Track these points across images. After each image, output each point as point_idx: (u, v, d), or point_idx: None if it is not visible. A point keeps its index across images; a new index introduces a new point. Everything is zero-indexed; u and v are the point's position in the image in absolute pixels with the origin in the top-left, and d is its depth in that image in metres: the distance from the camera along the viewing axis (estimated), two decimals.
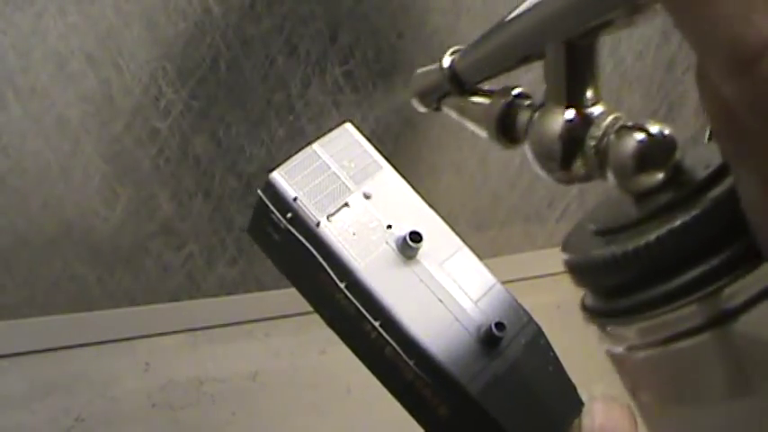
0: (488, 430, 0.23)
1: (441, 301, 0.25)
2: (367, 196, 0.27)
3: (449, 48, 0.36)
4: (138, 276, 0.60)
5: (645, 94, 0.69)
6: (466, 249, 0.27)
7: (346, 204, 0.26)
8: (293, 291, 0.69)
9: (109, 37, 0.52)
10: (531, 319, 0.26)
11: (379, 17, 0.58)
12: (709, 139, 0.74)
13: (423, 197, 0.29)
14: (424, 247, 0.26)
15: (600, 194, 0.77)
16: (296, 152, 0.27)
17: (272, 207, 0.27)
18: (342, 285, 0.25)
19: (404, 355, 0.24)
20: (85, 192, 0.56)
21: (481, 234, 0.69)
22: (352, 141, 0.29)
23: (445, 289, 0.26)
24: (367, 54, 0.59)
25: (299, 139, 0.59)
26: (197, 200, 0.59)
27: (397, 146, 0.63)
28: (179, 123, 0.56)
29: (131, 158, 0.56)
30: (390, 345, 0.24)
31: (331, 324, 0.27)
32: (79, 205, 0.57)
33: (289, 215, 0.26)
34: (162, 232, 0.60)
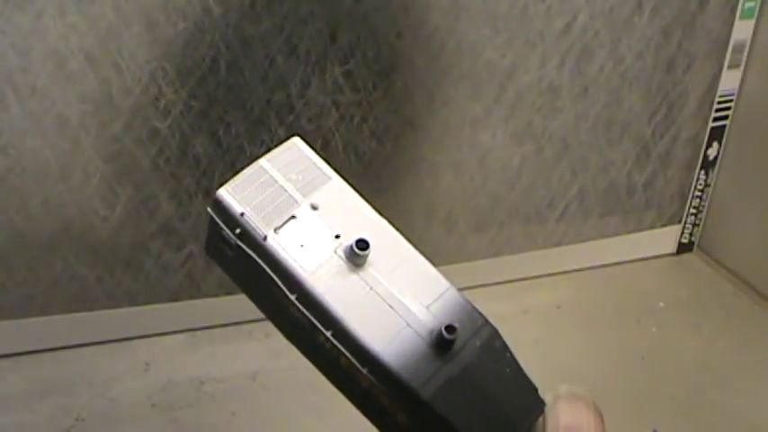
0: None
1: (391, 307, 0.25)
2: (314, 207, 0.27)
3: (449, 48, 0.36)
4: (137, 276, 0.60)
5: (645, 94, 0.69)
6: (418, 255, 0.27)
7: (293, 217, 0.26)
8: None
9: (109, 37, 0.52)
10: (486, 322, 0.25)
11: (378, 17, 0.58)
12: (709, 141, 0.74)
13: (373, 206, 0.29)
14: (374, 254, 0.26)
15: (600, 193, 0.77)
16: (242, 168, 0.28)
17: (221, 224, 0.27)
18: (292, 298, 0.25)
19: (357, 364, 0.24)
20: (85, 191, 0.56)
21: (481, 234, 0.69)
22: (300, 156, 0.29)
23: (395, 296, 0.25)
24: (367, 54, 0.59)
25: None
26: (197, 200, 0.59)
27: (397, 146, 0.63)
28: (179, 123, 0.56)
29: (131, 158, 0.56)
30: (344, 354, 0.25)
31: (289, 337, 0.27)
32: (79, 205, 0.57)
33: (237, 230, 0.26)
34: (162, 232, 0.60)
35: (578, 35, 0.64)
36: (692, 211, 0.78)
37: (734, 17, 0.69)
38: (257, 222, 0.26)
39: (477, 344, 0.25)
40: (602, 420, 0.24)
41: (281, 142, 0.29)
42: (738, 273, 0.75)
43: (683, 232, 0.79)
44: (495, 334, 0.25)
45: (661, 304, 0.72)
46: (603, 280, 0.75)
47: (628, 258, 0.77)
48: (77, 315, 0.60)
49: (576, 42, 0.64)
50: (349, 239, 0.26)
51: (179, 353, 0.62)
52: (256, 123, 0.58)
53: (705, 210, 0.78)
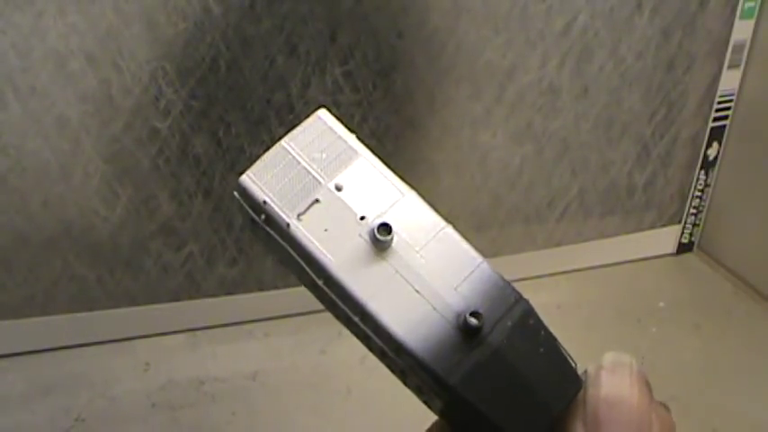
0: (475, 420, 0.23)
1: (417, 291, 0.24)
2: (339, 188, 0.26)
3: (449, 48, 0.36)
4: (138, 276, 0.60)
5: (645, 94, 0.69)
6: (448, 229, 0.26)
7: (317, 201, 0.26)
8: (293, 290, 0.69)
9: (109, 37, 0.52)
10: (519, 298, 0.24)
11: (378, 17, 0.58)
12: (709, 141, 0.74)
13: (403, 178, 0.28)
14: (401, 233, 0.25)
15: (600, 193, 0.77)
16: (266, 150, 0.27)
17: (247, 208, 0.26)
18: (320, 283, 0.25)
19: (387, 349, 0.24)
20: (85, 191, 0.56)
21: (481, 234, 0.69)
22: (325, 129, 0.28)
23: (422, 278, 0.25)
24: (367, 54, 0.59)
25: None
26: (197, 200, 0.59)
27: (397, 146, 0.63)
28: (179, 123, 0.56)
29: (131, 158, 0.56)
30: (371, 338, 0.24)
31: (332, 312, 0.27)
32: (79, 205, 0.57)
33: (263, 216, 0.26)
34: (162, 232, 0.60)
35: (578, 35, 0.64)
36: (692, 211, 0.78)
37: (734, 17, 0.69)
38: (280, 210, 0.25)
39: (509, 324, 0.24)
40: (650, 390, 0.23)
41: (308, 115, 0.28)
42: (738, 273, 0.75)
43: (683, 232, 0.79)
44: (529, 311, 0.24)
45: (661, 304, 0.72)
46: (603, 280, 0.75)
47: (628, 258, 0.77)
48: (77, 315, 0.60)
49: (576, 42, 0.64)
50: (374, 222, 0.25)
51: (179, 353, 0.62)
52: (256, 123, 0.58)
53: (705, 210, 0.78)
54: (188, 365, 0.60)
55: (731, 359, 0.65)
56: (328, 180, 0.26)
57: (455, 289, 0.24)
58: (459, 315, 0.24)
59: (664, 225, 0.78)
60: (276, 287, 0.64)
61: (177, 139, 0.57)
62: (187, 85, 0.55)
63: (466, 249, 0.25)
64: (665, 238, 0.78)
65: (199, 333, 0.64)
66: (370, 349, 0.25)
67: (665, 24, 0.67)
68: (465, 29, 0.61)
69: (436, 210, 0.26)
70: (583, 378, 0.24)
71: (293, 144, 0.27)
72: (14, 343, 0.59)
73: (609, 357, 0.24)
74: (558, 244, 0.73)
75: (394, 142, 0.63)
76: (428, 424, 0.26)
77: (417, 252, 0.25)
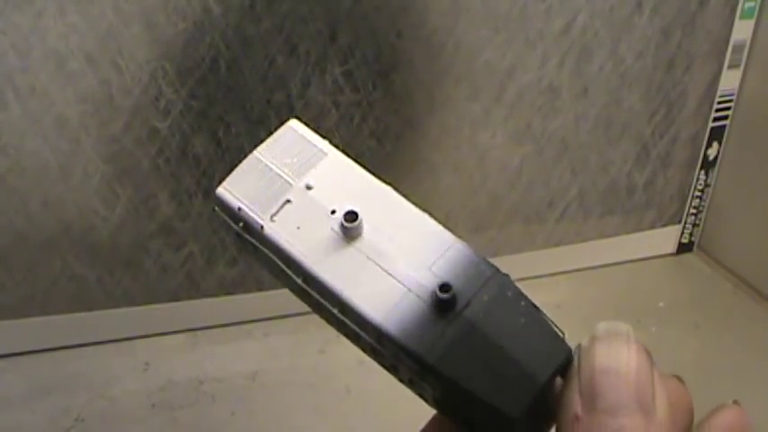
0: (465, 401, 0.23)
1: (390, 274, 0.24)
2: (309, 187, 0.27)
3: (448, 47, 0.36)
4: (137, 276, 0.60)
5: (645, 94, 0.69)
6: (422, 215, 0.26)
7: (288, 201, 0.26)
8: None
9: (109, 37, 0.52)
10: (496, 272, 0.24)
11: (378, 17, 0.58)
12: (709, 141, 0.74)
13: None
14: (372, 222, 0.26)
15: (600, 193, 0.77)
16: (239, 162, 0.28)
17: (228, 220, 0.27)
18: (299, 281, 0.25)
19: (368, 339, 0.24)
20: (85, 191, 0.56)
21: (481, 234, 0.69)
22: (296, 137, 0.29)
23: (395, 261, 0.25)
24: (366, 54, 0.59)
25: None
26: (197, 200, 0.59)
27: (397, 146, 0.63)
28: (179, 123, 0.56)
29: (131, 158, 0.56)
30: (354, 329, 0.24)
31: (320, 316, 0.27)
32: (79, 205, 0.57)
33: (241, 224, 0.27)
34: (162, 232, 0.60)
35: (578, 35, 0.64)
36: (692, 211, 0.78)
37: (734, 17, 0.69)
38: (253, 213, 0.26)
39: (485, 298, 0.23)
40: (649, 357, 0.21)
41: (279, 126, 0.29)
42: (738, 273, 0.75)
43: (683, 232, 0.79)
44: (507, 284, 0.24)
45: (661, 304, 0.72)
46: (603, 280, 0.75)
47: (628, 258, 0.77)
48: (77, 315, 0.60)
49: (576, 42, 0.64)
50: (343, 210, 0.25)
51: (179, 353, 0.62)
52: (256, 123, 0.58)
53: (705, 210, 0.78)
54: (188, 365, 0.60)
55: (731, 359, 0.65)
56: (299, 181, 0.27)
57: (429, 269, 0.24)
58: (433, 293, 0.24)
59: (664, 225, 0.78)
60: (275, 287, 0.64)
61: (177, 139, 0.57)
62: (187, 85, 0.55)
63: (439, 231, 0.26)
64: (665, 238, 0.78)
65: (198, 333, 0.64)
66: (363, 349, 0.25)
67: (665, 24, 0.67)
68: (464, 29, 0.61)
69: (413, 203, 0.27)
70: (576, 350, 0.23)
71: (265, 153, 0.28)
72: (14, 343, 0.59)
73: (602, 326, 0.22)
74: (558, 244, 0.73)
75: (393, 142, 0.63)
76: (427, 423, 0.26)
77: (389, 238, 0.25)
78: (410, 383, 0.25)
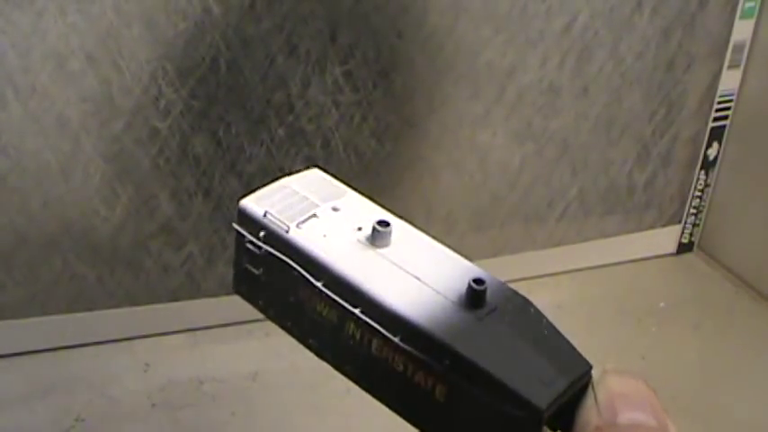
0: (493, 396, 0.22)
1: (418, 278, 0.25)
2: (335, 209, 0.27)
3: (449, 47, 0.36)
4: (138, 276, 0.60)
5: (645, 94, 0.69)
6: (444, 248, 0.27)
7: (314, 215, 0.27)
8: None
9: (109, 37, 0.52)
10: (516, 292, 0.25)
11: (378, 17, 0.58)
12: (709, 141, 0.74)
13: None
14: (396, 242, 0.26)
15: (600, 193, 0.77)
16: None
17: (246, 234, 0.27)
18: (319, 285, 0.25)
19: (388, 335, 0.24)
20: (85, 191, 0.56)
21: (481, 234, 0.69)
22: (319, 177, 0.29)
23: (422, 268, 0.25)
24: (367, 54, 0.59)
25: (299, 139, 0.60)
26: (197, 200, 0.59)
27: (397, 145, 0.63)
28: (179, 123, 0.56)
29: (131, 158, 0.56)
30: (374, 329, 0.24)
31: (319, 353, 0.27)
32: (79, 205, 0.57)
33: (262, 233, 0.27)
34: (162, 232, 0.60)
35: (578, 35, 0.64)
36: (692, 211, 0.78)
37: (734, 17, 0.69)
38: (280, 219, 0.26)
39: (510, 307, 0.24)
40: (652, 389, 0.24)
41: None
42: (738, 273, 0.75)
43: (683, 232, 0.79)
44: (530, 303, 0.25)
45: (661, 304, 0.72)
46: (604, 280, 0.75)
47: (628, 258, 0.77)
48: (77, 315, 0.60)
49: (576, 42, 0.64)
50: (370, 228, 0.26)
51: (179, 353, 0.62)
52: (256, 123, 0.58)
53: (705, 210, 0.78)
54: (188, 365, 0.60)
55: (731, 359, 0.65)
56: (325, 204, 0.27)
57: (455, 277, 0.25)
58: (461, 295, 0.24)
59: (664, 225, 0.78)
60: None
61: (177, 138, 0.57)
62: (187, 85, 0.55)
63: (461, 259, 0.26)
64: (666, 238, 0.78)
65: (198, 333, 0.64)
66: (363, 377, 0.26)
67: (665, 24, 0.67)
68: (464, 29, 0.61)
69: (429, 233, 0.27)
70: (590, 382, 0.24)
71: (291, 182, 0.28)
72: (14, 343, 0.59)
73: (611, 365, 0.24)
74: (559, 244, 0.73)
75: (393, 142, 0.63)
76: None
77: (414, 255, 0.26)
78: (412, 399, 0.24)
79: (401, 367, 0.24)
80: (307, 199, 0.27)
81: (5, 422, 0.54)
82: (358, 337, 0.25)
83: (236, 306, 0.69)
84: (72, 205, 0.56)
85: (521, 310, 0.24)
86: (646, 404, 0.22)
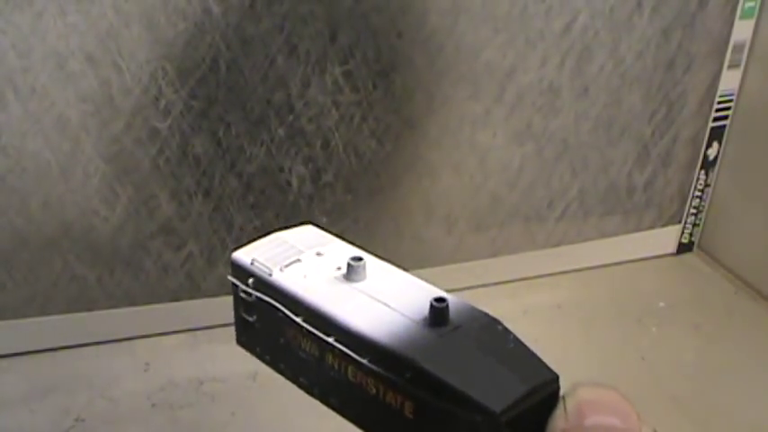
0: (452, 405, 0.23)
1: (387, 305, 0.27)
2: (319, 254, 0.30)
3: (448, 48, 0.36)
4: (138, 276, 0.60)
5: (645, 94, 0.69)
6: (412, 277, 0.29)
7: (298, 260, 0.29)
8: None
9: (109, 37, 0.53)
10: (486, 314, 0.26)
11: (378, 17, 0.58)
12: (709, 141, 0.74)
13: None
14: (372, 277, 0.28)
15: (600, 193, 0.77)
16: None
17: (239, 283, 0.30)
18: (299, 320, 0.27)
19: (358, 358, 0.25)
20: (85, 192, 0.56)
21: (481, 234, 0.69)
22: (312, 231, 0.32)
23: (392, 297, 0.27)
24: (367, 54, 0.59)
25: (299, 139, 0.60)
26: (197, 200, 0.59)
27: (397, 145, 0.63)
28: (179, 123, 0.56)
29: (131, 158, 0.56)
30: (347, 355, 0.26)
31: (308, 390, 0.30)
32: (79, 205, 0.57)
33: (251, 280, 0.29)
34: (162, 232, 0.60)
35: (578, 35, 0.64)
36: (692, 211, 0.78)
37: (734, 17, 0.69)
38: (265, 264, 0.29)
39: (476, 325, 0.25)
40: (627, 398, 0.24)
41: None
42: (738, 273, 0.75)
43: (683, 232, 0.79)
44: (498, 321, 0.26)
45: (661, 304, 0.72)
46: (603, 280, 0.75)
47: (628, 258, 0.77)
48: (77, 315, 0.60)
49: (576, 42, 0.64)
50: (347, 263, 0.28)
51: (179, 353, 0.62)
52: (256, 123, 0.58)
53: (705, 210, 0.78)
54: (188, 365, 0.60)
55: (731, 359, 0.65)
56: (310, 251, 0.30)
57: (424, 304, 0.26)
58: (426, 318, 0.26)
59: (664, 225, 0.78)
60: None
61: (177, 139, 0.57)
62: (187, 85, 0.55)
63: (435, 289, 0.28)
64: (665, 238, 0.78)
65: (198, 333, 0.64)
66: (343, 403, 0.27)
67: (665, 24, 0.67)
68: (464, 29, 0.61)
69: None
70: (562, 396, 0.24)
71: (282, 235, 0.31)
72: (14, 343, 0.59)
73: (595, 348, 0.25)
74: (558, 244, 0.73)
75: (393, 142, 0.63)
76: None
77: (389, 287, 0.28)
78: (385, 419, 0.25)
79: (374, 390, 0.25)
80: (294, 247, 0.30)
81: (5, 422, 0.54)
82: (336, 366, 0.27)
83: None
84: (72, 206, 0.56)
85: (486, 328, 0.26)
86: (614, 409, 0.22)
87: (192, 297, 0.63)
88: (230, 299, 0.68)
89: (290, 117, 0.59)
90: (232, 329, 0.67)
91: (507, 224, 0.70)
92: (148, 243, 0.59)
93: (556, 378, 0.24)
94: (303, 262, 0.29)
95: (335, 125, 0.60)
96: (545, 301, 0.70)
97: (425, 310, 0.26)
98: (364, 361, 0.25)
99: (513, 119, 0.66)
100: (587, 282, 0.74)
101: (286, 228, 0.32)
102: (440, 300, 0.25)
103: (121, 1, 0.52)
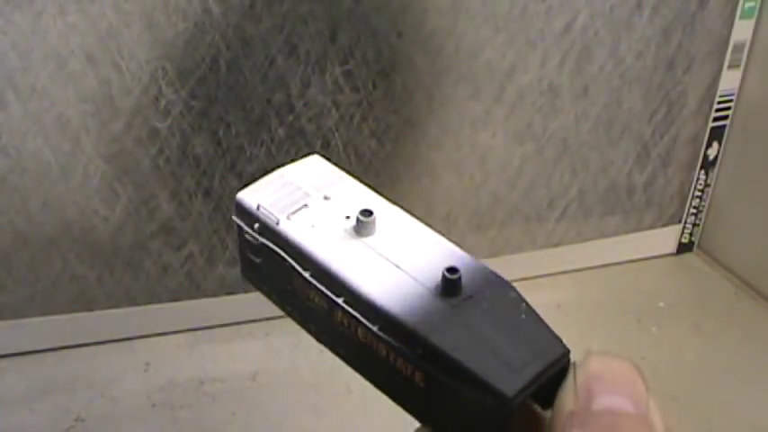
0: (463, 384, 0.23)
1: (398, 267, 0.25)
2: (327, 198, 0.28)
3: (449, 47, 0.36)
4: (138, 276, 0.60)
5: (645, 94, 0.69)
6: (431, 231, 0.27)
7: (306, 205, 0.28)
8: None
9: (109, 37, 0.52)
10: (499, 277, 0.25)
11: (378, 17, 0.58)
12: (709, 141, 0.74)
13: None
14: (382, 228, 0.27)
15: (600, 193, 0.77)
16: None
17: (243, 225, 0.28)
18: (306, 275, 0.26)
19: (368, 324, 0.25)
20: (85, 192, 0.56)
21: (481, 234, 0.69)
22: (318, 165, 0.30)
23: (403, 256, 0.26)
24: (367, 54, 0.59)
25: (299, 139, 0.60)
26: (197, 200, 0.59)
27: (397, 145, 0.63)
28: (179, 123, 0.56)
29: (131, 158, 0.56)
30: (356, 319, 0.25)
31: (317, 337, 0.28)
32: (79, 205, 0.57)
33: (256, 225, 0.28)
34: (162, 232, 0.60)
35: (578, 35, 0.64)
36: (692, 211, 0.78)
37: (734, 17, 0.69)
38: (271, 212, 0.27)
39: (488, 293, 0.25)
40: (640, 371, 0.23)
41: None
42: (738, 273, 0.75)
43: (683, 232, 0.79)
44: (510, 287, 0.25)
45: (661, 304, 0.72)
46: (603, 280, 0.75)
47: (628, 258, 0.77)
48: (77, 315, 0.60)
49: (576, 42, 0.64)
50: (357, 214, 0.27)
51: (179, 353, 0.62)
52: (256, 123, 0.58)
53: (705, 210, 0.78)
54: (188, 365, 0.60)
55: (731, 359, 0.65)
56: (317, 193, 0.28)
57: (437, 267, 0.25)
58: (440, 280, 0.24)
59: (664, 225, 0.78)
60: None
61: (177, 139, 0.57)
62: (187, 85, 0.55)
63: (447, 243, 0.27)
64: (666, 238, 0.78)
65: (199, 333, 0.64)
66: (353, 357, 0.26)
67: (665, 24, 0.67)
68: (464, 29, 0.61)
69: (426, 222, 0.28)
70: (572, 365, 0.24)
71: (288, 172, 0.29)
72: (14, 343, 0.59)
73: (596, 347, 0.24)
74: (558, 244, 0.73)
75: (393, 142, 0.63)
76: None
77: (399, 242, 0.26)
78: (397, 385, 0.25)
79: (384, 353, 0.25)
80: (300, 189, 0.28)
81: (5, 422, 0.54)
82: (346, 323, 0.26)
83: (236, 306, 0.70)
84: (72, 205, 0.56)
85: (498, 296, 0.25)
86: (625, 388, 0.21)
87: (191, 297, 0.63)
88: (230, 299, 0.68)
89: (290, 117, 0.59)
90: (232, 329, 0.67)
91: (507, 224, 0.70)
92: (148, 243, 0.59)
93: (567, 352, 0.24)
94: (310, 208, 0.28)
95: (335, 125, 0.60)
96: (545, 300, 0.70)
97: (437, 271, 0.25)
98: (374, 328, 0.24)
99: (513, 119, 0.66)
100: (587, 282, 0.74)
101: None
102: (452, 270, 0.24)
103: (121, 1, 0.52)
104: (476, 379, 0.22)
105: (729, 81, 0.72)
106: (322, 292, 0.26)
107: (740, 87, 0.72)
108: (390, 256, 0.26)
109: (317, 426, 0.56)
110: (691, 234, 0.79)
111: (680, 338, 0.67)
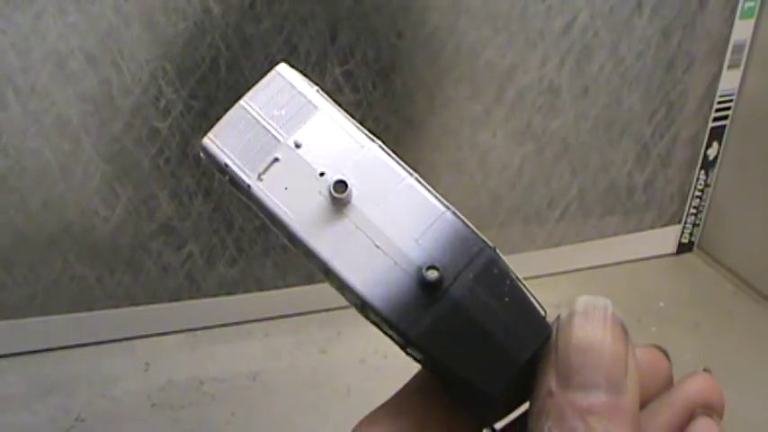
0: (444, 371, 0.23)
1: (378, 246, 0.24)
2: (298, 145, 0.26)
3: (449, 47, 0.36)
4: (138, 276, 0.60)
5: (645, 94, 0.69)
6: (412, 181, 0.26)
7: (276, 159, 0.26)
8: (292, 290, 0.68)
9: (109, 37, 0.52)
10: (483, 246, 0.24)
11: (378, 17, 0.58)
12: (709, 141, 0.74)
13: (363, 127, 0.28)
14: (361, 188, 0.25)
15: (600, 193, 0.77)
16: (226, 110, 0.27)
17: (215, 169, 0.27)
18: (286, 240, 0.25)
19: (350, 301, 0.24)
20: (85, 191, 0.56)
21: (481, 234, 0.69)
22: (285, 85, 0.28)
23: (383, 232, 0.24)
24: (367, 54, 0.59)
25: None
26: (197, 200, 0.59)
27: (397, 146, 0.63)
28: (179, 123, 0.56)
29: (131, 158, 0.56)
30: (339, 289, 0.25)
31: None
32: (79, 205, 0.57)
33: (227, 177, 0.26)
34: (162, 232, 0.60)
35: (578, 35, 0.64)
36: (692, 211, 0.78)
37: (734, 17, 0.69)
38: (241, 172, 0.26)
39: (471, 276, 0.24)
40: (625, 333, 0.22)
41: (267, 71, 0.28)
42: (738, 273, 0.75)
43: (683, 232, 0.79)
44: (493, 260, 0.24)
45: (661, 304, 0.72)
46: (603, 280, 0.75)
47: (628, 258, 0.77)
48: (77, 315, 0.60)
49: (576, 42, 0.64)
50: (332, 178, 0.25)
51: (179, 353, 0.62)
52: None
53: (705, 210, 0.78)
54: (188, 365, 0.60)
55: (731, 359, 0.65)
56: (287, 137, 0.26)
57: (416, 241, 0.24)
58: (419, 269, 0.24)
59: (664, 225, 0.78)
60: (276, 287, 0.64)
61: (177, 139, 0.57)
62: (187, 85, 0.55)
63: (428, 199, 0.25)
64: (665, 238, 0.78)
65: (199, 333, 0.64)
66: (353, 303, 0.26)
67: (665, 24, 0.67)
68: (464, 29, 0.61)
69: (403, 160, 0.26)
70: (555, 324, 0.24)
71: (252, 103, 0.27)
72: (14, 343, 0.59)
73: (582, 300, 0.23)
74: (558, 244, 0.73)
75: (393, 142, 0.62)
76: None
77: (378, 205, 0.25)
78: (393, 341, 0.25)
79: (373, 323, 0.24)
80: (268, 132, 0.26)
81: (5, 422, 0.54)
82: (333, 286, 0.25)
83: (236, 306, 0.70)
84: (72, 205, 0.56)
85: (481, 278, 0.24)
86: (605, 361, 0.21)
87: (191, 297, 0.63)
88: (230, 299, 0.68)
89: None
90: (232, 329, 0.67)
91: (507, 224, 0.70)
92: (148, 243, 0.59)
93: (548, 335, 0.23)
94: (282, 161, 0.26)
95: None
96: (545, 301, 0.70)
97: (419, 254, 0.24)
98: (357, 303, 0.24)
99: (513, 119, 0.66)
100: (587, 282, 0.74)
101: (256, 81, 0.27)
102: (431, 268, 0.23)
103: (121, 1, 0.52)
104: (459, 378, 0.23)
105: (729, 81, 0.72)
106: (304, 257, 0.25)
107: (740, 87, 0.72)
108: (369, 231, 0.24)
109: (317, 426, 0.56)
110: (691, 234, 0.79)
111: (679, 338, 0.67)
